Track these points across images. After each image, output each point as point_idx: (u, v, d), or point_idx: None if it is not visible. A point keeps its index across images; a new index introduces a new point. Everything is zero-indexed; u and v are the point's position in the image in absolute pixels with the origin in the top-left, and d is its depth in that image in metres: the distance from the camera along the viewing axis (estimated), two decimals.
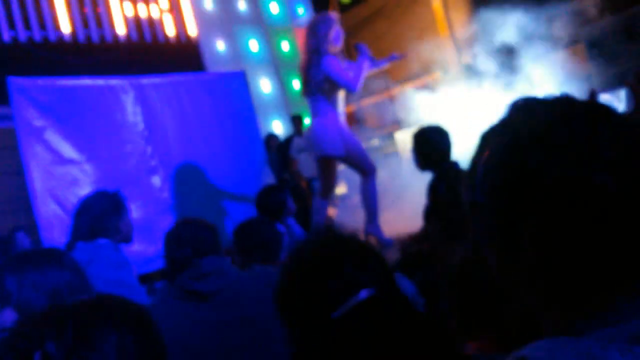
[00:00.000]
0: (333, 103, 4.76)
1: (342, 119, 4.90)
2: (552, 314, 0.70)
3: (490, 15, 6.52)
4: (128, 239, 2.97)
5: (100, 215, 2.81)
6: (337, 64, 4.69)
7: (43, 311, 1.05)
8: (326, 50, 4.65)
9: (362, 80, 4.75)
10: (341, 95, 4.84)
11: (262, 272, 2.42)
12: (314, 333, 1.10)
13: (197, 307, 2.07)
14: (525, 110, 0.74)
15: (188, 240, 2.18)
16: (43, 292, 1.59)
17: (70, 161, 4.92)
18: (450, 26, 9.59)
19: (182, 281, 2.11)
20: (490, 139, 0.74)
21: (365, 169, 4.92)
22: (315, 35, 4.67)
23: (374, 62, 5.05)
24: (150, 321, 1.10)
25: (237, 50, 8.57)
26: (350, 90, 4.77)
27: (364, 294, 1.08)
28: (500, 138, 0.73)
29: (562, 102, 0.74)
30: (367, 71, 4.87)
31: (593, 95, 3.30)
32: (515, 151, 0.69)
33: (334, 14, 4.86)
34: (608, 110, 0.71)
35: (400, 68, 9.85)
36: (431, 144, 3.50)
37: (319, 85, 4.67)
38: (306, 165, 7.45)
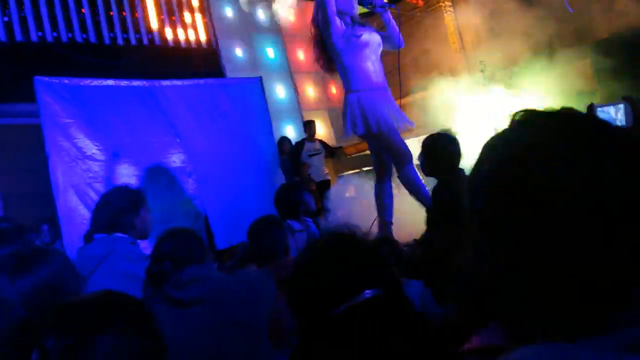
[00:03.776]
0: (359, 75, 4.24)
1: (377, 92, 4.29)
2: (547, 320, 0.70)
3: (499, 30, 6.73)
4: (144, 236, 2.99)
5: (118, 210, 2.85)
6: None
7: (48, 307, 1.05)
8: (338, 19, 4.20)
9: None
10: (370, 66, 4.28)
11: (244, 276, 2.48)
12: (316, 327, 1.10)
13: (180, 313, 2.11)
14: (526, 123, 0.75)
15: (167, 255, 2.22)
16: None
17: (92, 157, 5.06)
18: (460, 39, 9.78)
19: (163, 290, 2.17)
20: (492, 150, 0.76)
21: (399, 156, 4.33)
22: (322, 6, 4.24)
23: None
24: (151, 318, 1.10)
25: (255, 57, 8.80)
26: (398, 46, 4.39)
27: (368, 293, 1.08)
28: (501, 149, 0.74)
29: (562, 116, 0.74)
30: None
31: (591, 109, 3.37)
32: (515, 163, 0.70)
33: None
34: (606, 125, 0.72)
35: (412, 77, 10.05)
36: (440, 151, 3.46)
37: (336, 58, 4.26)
38: (317, 169, 7.64)
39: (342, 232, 1.26)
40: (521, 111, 0.78)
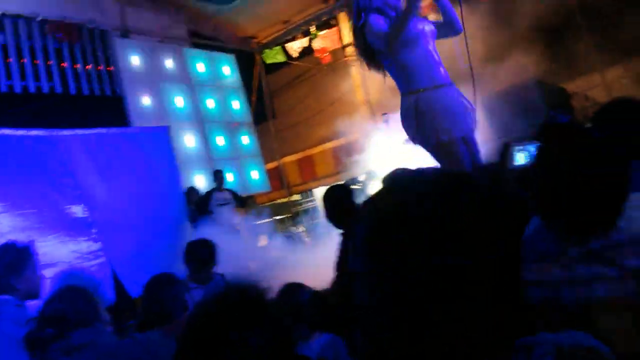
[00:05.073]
0: (413, 74, 3.49)
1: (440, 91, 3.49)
2: None
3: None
4: (34, 296, 2.79)
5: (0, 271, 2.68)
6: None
7: None
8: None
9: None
10: (425, 60, 3.54)
11: (141, 339, 2.37)
12: None
13: None
14: (394, 187, 0.78)
15: (54, 318, 2.11)
16: None
17: None
18: (366, 92, 10.22)
19: (50, 356, 2.03)
20: (363, 214, 0.78)
21: None
22: None
23: None
24: None
25: (163, 106, 8.68)
26: (459, 31, 3.66)
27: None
28: (368, 214, 0.77)
29: (427, 179, 0.76)
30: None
31: (507, 147, 3.39)
32: (377, 230, 0.73)
33: None
34: (471, 187, 0.74)
35: (320, 129, 10.33)
36: (338, 204, 3.60)
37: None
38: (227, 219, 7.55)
39: (238, 288, 1.24)
40: (395, 171, 0.80)
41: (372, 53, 3.60)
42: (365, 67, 3.71)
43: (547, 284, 1.15)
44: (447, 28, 3.69)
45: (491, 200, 0.74)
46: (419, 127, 3.43)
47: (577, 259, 1.15)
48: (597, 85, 8.05)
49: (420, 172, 0.79)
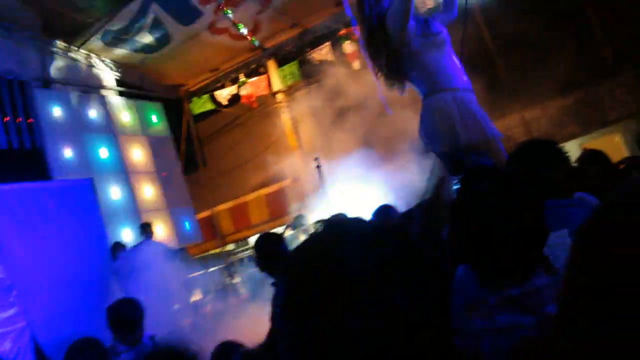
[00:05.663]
0: (447, 73, 3.41)
1: (461, 93, 3.38)
2: None
3: (329, 128, 7.28)
4: None
5: None
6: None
7: None
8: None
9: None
10: (454, 64, 3.46)
11: None
12: None
13: None
14: (316, 241, 0.76)
15: None
16: None
17: None
18: (298, 138, 10.31)
19: None
20: (284, 266, 0.76)
21: None
22: None
23: None
24: None
25: (86, 158, 8.37)
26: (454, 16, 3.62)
27: None
28: (288, 267, 0.75)
29: (352, 233, 0.74)
30: None
31: (442, 181, 3.37)
32: (295, 285, 0.71)
33: None
34: (397, 243, 0.72)
35: (252, 175, 10.29)
36: (267, 251, 3.64)
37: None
38: None
39: (167, 351, 1.18)
40: (330, 220, 0.77)
41: (399, 61, 3.44)
42: (387, 84, 3.56)
43: (469, 333, 1.13)
44: (447, 10, 3.63)
45: (417, 255, 0.72)
46: (461, 123, 3.26)
47: (497, 306, 1.14)
48: (517, 126, 8.45)
49: (348, 224, 0.76)
